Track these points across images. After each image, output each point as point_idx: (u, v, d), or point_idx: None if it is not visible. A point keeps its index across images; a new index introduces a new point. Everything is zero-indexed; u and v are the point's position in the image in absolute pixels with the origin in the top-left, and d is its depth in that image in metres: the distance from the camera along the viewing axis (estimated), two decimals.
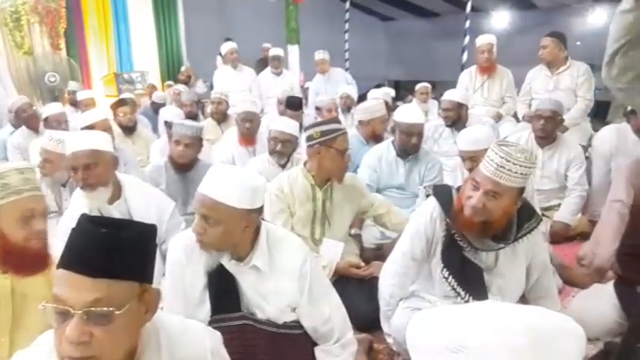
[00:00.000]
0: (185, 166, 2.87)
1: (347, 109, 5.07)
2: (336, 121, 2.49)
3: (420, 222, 1.85)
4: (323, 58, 6.01)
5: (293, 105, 4.46)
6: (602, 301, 2.25)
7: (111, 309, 0.87)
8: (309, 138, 2.38)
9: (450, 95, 3.83)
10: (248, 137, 3.64)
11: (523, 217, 1.74)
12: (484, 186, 1.60)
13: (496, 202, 1.60)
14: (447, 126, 3.84)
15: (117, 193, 2.20)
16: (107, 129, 3.40)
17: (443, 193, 1.82)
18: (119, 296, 0.89)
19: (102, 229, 0.90)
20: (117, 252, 0.90)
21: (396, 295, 1.96)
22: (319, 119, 4.04)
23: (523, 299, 1.95)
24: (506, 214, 1.65)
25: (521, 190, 1.64)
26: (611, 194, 2.85)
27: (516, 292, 1.86)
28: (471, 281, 1.78)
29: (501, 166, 1.55)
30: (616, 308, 2.19)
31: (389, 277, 1.96)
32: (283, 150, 3.04)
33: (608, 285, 2.35)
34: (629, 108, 3.37)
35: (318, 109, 4.66)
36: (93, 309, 0.86)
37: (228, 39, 6.72)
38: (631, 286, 2.13)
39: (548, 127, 3.28)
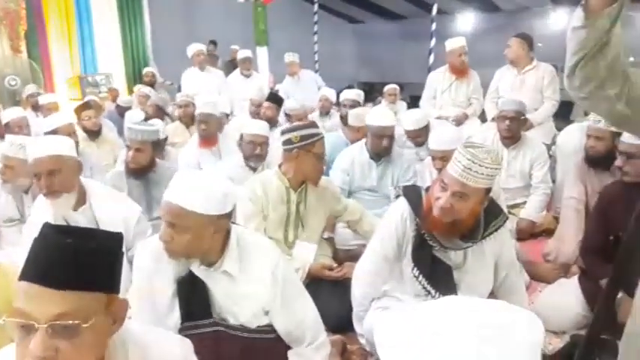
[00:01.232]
0: (140, 170, 2.79)
1: (325, 112, 5.05)
2: (315, 125, 2.49)
3: (391, 222, 1.88)
4: (292, 61, 6.00)
5: (277, 100, 4.56)
6: (567, 295, 2.32)
7: (77, 322, 0.84)
8: (288, 142, 2.37)
9: (411, 123, 3.60)
10: (205, 139, 3.61)
11: (490, 215, 1.77)
12: (452, 187, 1.62)
13: (463, 203, 1.63)
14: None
15: (81, 199, 2.14)
16: (71, 133, 3.32)
17: (412, 194, 1.85)
18: (85, 308, 0.86)
19: (67, 239, 0.87)
20: (83, 263, 0.87)
21: (368, 295, 1.97)
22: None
23: (492, 296, 1.99)
24: (473, 214, 1.69)
25: (488, 190, 1.67)
26: (566, 192, 2.96)
27: (485, 288, 1.89)
28: (440, 280, 1.81)
29: (468, 168, 1.58)
30: (580, 301, 2.26)
31: (361, 278, 1.98)
32: (262, 152, 3.04)
33: (572, 279, 2.42)
34: None
35: (288, 115, 4.62)
36: (58, 322, 0.83)
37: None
38: (594, 280, 2.19)
39: (513, 128, 3.36)
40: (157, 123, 3.78)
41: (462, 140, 2.67)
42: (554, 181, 3.47)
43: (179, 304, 1.52)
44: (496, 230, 1.79)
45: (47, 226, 0.92)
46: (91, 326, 0.85)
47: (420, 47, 7.46)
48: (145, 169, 2.79)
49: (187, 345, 1.18)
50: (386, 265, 1.91)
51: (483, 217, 1.76)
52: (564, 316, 2.28)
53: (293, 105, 4.58)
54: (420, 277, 1.82)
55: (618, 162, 2.23)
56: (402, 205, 1.86)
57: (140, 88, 6.39)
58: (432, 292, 1.81)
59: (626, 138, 2.21)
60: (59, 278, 0.84)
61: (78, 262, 0.86)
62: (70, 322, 0.84)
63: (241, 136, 3.06)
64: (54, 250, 0.86)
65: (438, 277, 1.81)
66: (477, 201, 1.65)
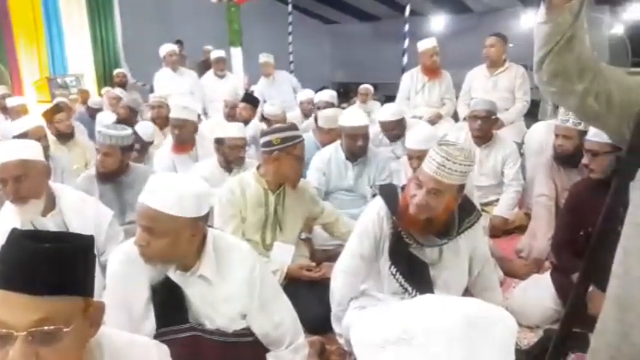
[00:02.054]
0: (110, 174, 2.74)
1: (306, 114, 5.01)
2: (295, 127, 2.48)
3: (368, 221, 1.90)
4: (267, 61, 5.95)
5: (252, 101, 4.55)
6: (540, 291, 2.37)
7: (59, 327, 0.83)
8: (268, 144, 2.36)
9: (387, 115, 3.73)
10: (179, 143, 3.50)
11: (464, 212, 1.82)
12: (427, 184, 1.67)
13: (438, 200, 1.67)
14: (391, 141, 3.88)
15: (50, 204, 2.08)
16: (41, 137, 3.23)
17: (389, 193, 1.88)
18: (64, 313, 0.84)
19: (42, 243, 0.85)
20: (58, 267, 0.85)
21: (346, 295, 1.98)
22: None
23: (468, 293, 2.02)
24: (447, 211, 1.73)
25: (461, 187, 1.72)
26: (536, 189, 3.03)
27: (461, 284, 1.93)
28: (417, 277, 1.84)
29: (442, 165, 1.63)
30: (553, 296, 2.31)
31: (339, 277, 1.98)
32: (243, 154, 3.02)
33: (545, 275, 2.48)
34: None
35: (266, 119, 4.49)
36: (38, 329, 0.81)
37: (177, 41, 6.52)
38: (566, 275, 2.25)
39: (484, 127, 3.43)
40: (143, 125, 3.72)
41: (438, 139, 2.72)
42: (525, 179, 3.55)
43: (154, 310, 1.49)
44: (470, 227, 1.84)
45: (16, 233, 0.89)
46: (71, 331, 0.84)
47: (394, 48, 7.53)
48: (115, 173, 2.74)
49: (163, 350, 1.16)
50: (363, 264, 1.92)
51: (457, 213, 1.80)
52: (538, 311, 2.33)
53: (273, 110, 4.45)
54: (397, 275, 1.85)
55: (584, 160, 2.29)
56: (379, 204, 1.88)
57: (109, 90, 6.27)
58: (409, 289, 1.84)
59: (591, 136, 2.27)
60: (36, 284, 0.83)
61: (54, 266, 0.85)
62: (51, 327, 0.82)
63: (220, 140, 3.02)
64: (28, 255, 0.84)
65: (415, 275, 1.84)
66: (451, 197, 1.70)
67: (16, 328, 0.81)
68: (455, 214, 1.79)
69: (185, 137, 3.52)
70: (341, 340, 2.04)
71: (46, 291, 0.83)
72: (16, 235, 0.89)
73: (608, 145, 2.16)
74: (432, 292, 1.83)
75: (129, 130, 2.86)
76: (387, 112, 3.77)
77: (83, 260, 0.91)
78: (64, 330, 0.83)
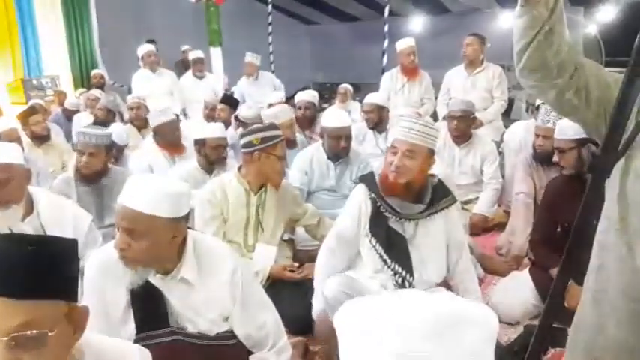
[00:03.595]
0: (92, 176, 2.68)
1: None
2: (275, 127, 2.46)
3: (352, 205, 2.05)
4: (251, 61, 5.89)
5: (231, 102, 4.55)
6: (520, 287, 2.41)
7: (43, 331, 0.81)
8: (248, 144, 2.34)
9: (370, 98, 3.93)
10: (171, 147, 3.46)
11: (439, 192, 1.99)
12: (401, 148, 1.89)
13: (413, 162, 1.88)
14: (370, 128, 3.95)
15: (28, 209, 2.04)
16: (15, 139, 3.16)
17: (366, 176, 2.08)
18: (48, 317, 0.83)
19: (24, 247, 0.84)
20: (42, 270, 0.84)
21: (328, 271, 2.07)
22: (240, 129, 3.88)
23: (446, 285, 2.08)
24: (422, 173, 1.93)
25: (431, 152, 1.93)
26: (515, 187, 3.08)
27: (438, 264, 2.03)
28: (395, 249, 1.97)
29: (410, 128, 1.88)
30: (532, 292, 2.36)
31: (323, 255, 2.11)
32: (225, 155, 3.03)
33: (524, 271, 2.52)
34: (537, 103, 3.65)
35: (241, 122, 4.22)
36: (21, 334, 0.80)
37: (150, 40, 6.45)
38: (544, 270, 2.29)
39: (461, 126, 3.48)
40: (118, 129, 3.63)
41: None
42: (503, 177, 3.60)
43: (134, 314, 1.47)
44: (447, 207, 1.99)
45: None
46: (55, 336, 0.83)
47: (374, 48, 7.55)
48: (97, 174, 2.69)
49: (146, 355, 1.14)
50: (345, 247, 2.05)
51: (432, 192, 1.97)
52: (518, 307, 2.36)
53: (249, 113, 4.29)
54: (377, 246, 1.97)
55: (555, 158, 2.40)
56: (359, 189, 2.05)
57: (86, 92, 6.16)
58: (389, 261, 1.96)
59: (557, 134, 2.41)
60: (19, 287, 0.81)
61: (37, 269, 0.83)
62: (34, 332, 0.81)
63: (201, 141, 2.98)
64: (11, 258, 0.83)
65: (393, 247, 1.96)
66: (423, 160, 1.90)
67: None
68: (429, 183, 1.98)
69: (174, 140, 3.48)
70: (322, 306, 2.06)
71: (28, 295, 0.82)
72: None
73: (573, 142, 2.30)
74: (410, 266, 1.96)
75: (109, 130, 2.81)
76: (371, 95, 3.98)
77: (67, 263, 0.90)
78: (48, 334, 0.82)
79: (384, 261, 1.96)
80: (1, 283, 0.81)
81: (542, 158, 2.91)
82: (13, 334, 0.79)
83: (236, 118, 4.45)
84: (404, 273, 1.93)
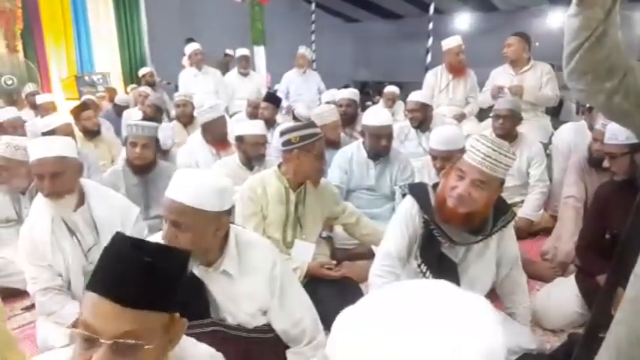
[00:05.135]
0: (143, 168, 2.81)
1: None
2: (314, 125, 2.48)
3: (401, 220, 1.87)
4: (304, 54, 5.95)
5: (274, 101, 4.57)
6: (564, 294, 2.32)
7: (141, 342, 0.83)
8: (287, 142, 2.36)
9: (415, 96, 3.89)
10: (218, 143, 3.57)
11: (498, 211, 1.78)
12: (470, 175, 1.62)
13: (481, 192, 1.63)
14: (413, 127, 3.90)
15: (80, 200, 2.13)
16: (69, 133, 3.30)
17: (419, 191, 1.85)
18: (150, 328, 0.85)
19: (145, 257, 0.86)
20: (155, 283, 0.86)
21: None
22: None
23: (493, 294, 1.99)
24: (487, 205, 1.69)
25: (502, 182, 1.69)
26: (565, 191, 2.97)
27: (485, 284, 1.89)
28: (444, 276, 1.77)
29: (488, 156, 1.60)
30: (578, 299, 2.27)
31: (375, 282, 1.88)
32: (264, 152, 3.06)
33: (570, 278, 2.43)
34: (587, 105, 3.51)
35: (296, 119, 4.46)
36: (123, 341, 0.82)
37: (190, 39, 6.61)
38: (591, 277, 2.20)
39: (507, 126, 3.37)
40: (162, 133, 3.74)
41: (462, 140, 2.68)
42: (551, 180, 3.48)
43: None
44: (505, 225, 1.80)
45: (123, 240, 0.90)
46: (153, 347, 0.85)
47: (418, 46, 7.48)
48: (147, 166, 2.82)
49: (219, 358, 1.18)
50: (399, 264, 1.87)
51: (492, 212, 1.76)
52: (562, 315, 2.29)
53: (304, 111, 4.34)
54: (428, 274, 1.80)
55: (605, 163, 2.32)
56: (410, 203, 1.85)
57: (136, 88, 6.36)
58: None
59: (607, 139, 2.31)
60: (132, 296, 0.83)
61: (152, 282, 0.85)
62: (136, 341, 0.82)
63: (241, 138, 3.04)
64: (129, 267, 0.85)
65: (443, 274, 1.79)
66: (492, 192, 1.66)
67: (103, 335, 0.82)
68: (491, 211, 1.75)
69: (222, 135, 3.58)
70: None
71: (138, 304, 0.84)
72: (121, 242, 0.89)
73: (626, 147, 2.21)
74: None
75: (156, 124, 2.93)
76: (415, 94, 3.93)
77: (178, 277, 0.91)
78: (146, 347, 0.83)
79: None
80: (114, 288, 0.83)
81: (598, 162, 2.80)
82: (117, 340, 0.82)
83: (293, 114, 4.53)
84: None
